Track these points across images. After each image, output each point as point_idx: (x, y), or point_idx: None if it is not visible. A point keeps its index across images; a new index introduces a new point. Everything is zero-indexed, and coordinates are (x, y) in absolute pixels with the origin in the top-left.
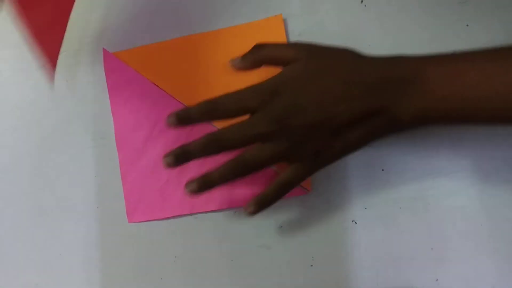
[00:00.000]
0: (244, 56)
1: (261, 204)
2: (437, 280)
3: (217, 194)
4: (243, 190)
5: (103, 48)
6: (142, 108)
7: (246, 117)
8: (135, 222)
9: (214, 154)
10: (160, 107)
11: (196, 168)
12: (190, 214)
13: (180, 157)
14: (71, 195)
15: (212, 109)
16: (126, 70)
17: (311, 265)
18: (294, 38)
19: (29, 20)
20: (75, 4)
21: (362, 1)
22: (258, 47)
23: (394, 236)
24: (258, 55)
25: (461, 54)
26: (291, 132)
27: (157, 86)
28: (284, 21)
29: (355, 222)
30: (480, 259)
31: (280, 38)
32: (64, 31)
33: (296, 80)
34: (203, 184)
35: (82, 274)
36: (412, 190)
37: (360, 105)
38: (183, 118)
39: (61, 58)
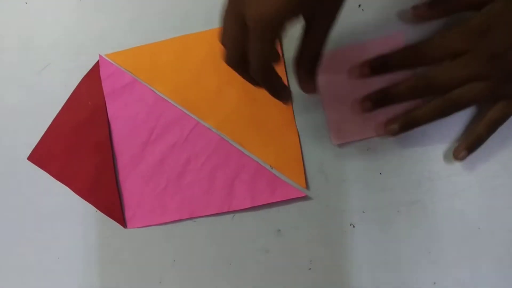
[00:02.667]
0: (433, 2)
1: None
2: (434, 283)
3: (216, 198)
4: (242, 194)
5: (99, 55)
6: (139, 113)
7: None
8: (134, 227)
9: (420, 96)
10: (157, 113)
11: (194, 172)
12: (189, 218)
13: (380, 100)
14: (70, 198)
15: (415, 55)
16: (122, 75)
17: (310, 269)
18: (289, 40)
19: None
20: (75, 8)
21: (359, 6)
22: None
23: (392, 240)
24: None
25: None
26: (504, 69)
27: (153, 91)
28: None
29: (353, 226)
30: (478, 263)
31: None
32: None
33: (505, 16)
34: (406, 124)
35: (81, 278)
36: (410, 193)
37: None
38: (379, 66)
39: (61, 62)
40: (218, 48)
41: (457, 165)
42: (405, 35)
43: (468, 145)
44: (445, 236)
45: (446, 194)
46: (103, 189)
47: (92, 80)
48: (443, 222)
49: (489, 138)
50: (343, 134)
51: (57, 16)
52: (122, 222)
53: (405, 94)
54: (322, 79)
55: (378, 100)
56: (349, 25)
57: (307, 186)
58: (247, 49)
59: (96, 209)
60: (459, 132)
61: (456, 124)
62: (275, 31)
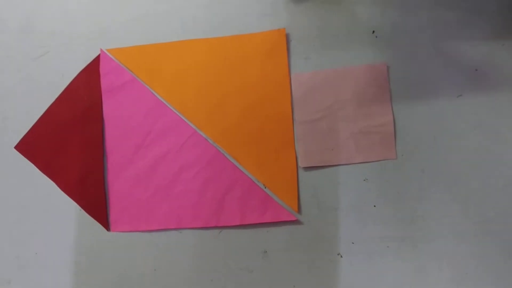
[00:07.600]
0: None
1: None
2: None
3: (205, 212)
4: (232, 210)
5: (101, 49)
6: (136, 115)
7: None
8: (117, 231)
9: None
10: (154, 116)
11: (186, 182)
12: (175, 228)
13: None
14: (54, 194)
15: None
16: (122, 73)
17: None
18: (300, 59)
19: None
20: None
21: (373, 32)
22: None
23: (378, 274)
24: None
25: None
26: None
27: (153, 93)
28: (292, 43)
29: (341, 256)
30: None
31: (281, 52)
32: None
33: None
34: None
35: (57, 276)
36: (401, 230)
37: None
38: None
39: (60, 51)
40: (224, 56)
41: (451, 207)
42: (387, 66)
43: None
44: (432, 277)
45: (437, 234)
46: (89, 188)
47: (91, 74)
48: (432, 263)
49: (479, 184)
50: (310, 159)
51: (62, 3)
52: (106, 224)
53: None
54: (298, 99)
55: None
56: (361, 49)
57: (299, 210)
58: None
59: (80, 208)
60: (454, 177)
61: (452, 169)
62: None
